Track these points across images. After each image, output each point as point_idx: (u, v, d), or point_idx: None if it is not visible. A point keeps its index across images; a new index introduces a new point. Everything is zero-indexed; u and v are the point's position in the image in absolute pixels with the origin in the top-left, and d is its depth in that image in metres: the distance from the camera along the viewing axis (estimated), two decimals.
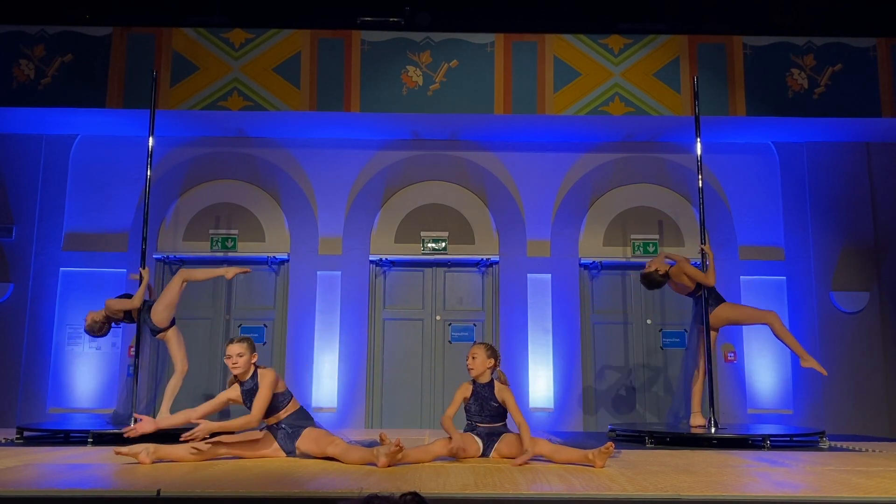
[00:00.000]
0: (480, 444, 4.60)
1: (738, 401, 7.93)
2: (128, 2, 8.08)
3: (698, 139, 6.72)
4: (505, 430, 4.70)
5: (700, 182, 6.61)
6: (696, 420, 6.28)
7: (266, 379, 4.43)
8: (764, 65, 7.73)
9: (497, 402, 4.65)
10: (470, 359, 4.69)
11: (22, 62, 7.61)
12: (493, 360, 4.72)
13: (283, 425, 4.51)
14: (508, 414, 4.72)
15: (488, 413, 4.66)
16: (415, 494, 1.80)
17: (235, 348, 4.45)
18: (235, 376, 4.52)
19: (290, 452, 4.50)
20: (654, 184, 8.43)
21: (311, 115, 7.76)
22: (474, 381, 4.73)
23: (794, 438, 6.03)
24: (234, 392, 4.53)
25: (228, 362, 4.45)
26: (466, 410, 4.76)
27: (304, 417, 4.59)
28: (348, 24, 7.85)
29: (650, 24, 7.89)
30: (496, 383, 4.70)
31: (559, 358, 7.99)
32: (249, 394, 4.48)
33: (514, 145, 8.42)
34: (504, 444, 4.57)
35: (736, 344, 8.05)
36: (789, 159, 8.38)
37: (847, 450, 5.46)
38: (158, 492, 3.17)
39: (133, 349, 7.70)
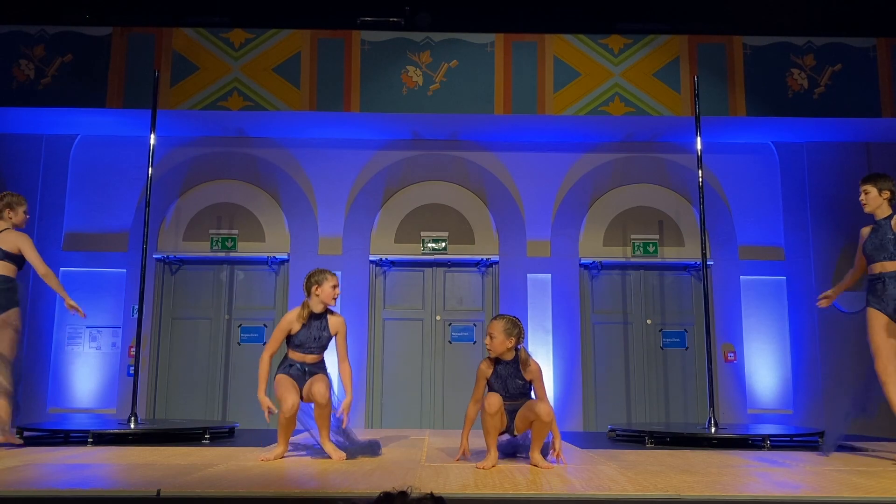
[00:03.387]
0: (505, 419, 4.40)
1: (738, 401, 7.93)
2: (128, 2, 8.08)
3: (698, 139, 6.72)
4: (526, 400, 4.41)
5: (700, 182, 6.62)
6: None
7: (343, 333, 4.77)
8: (764, 65, 7.73)
9: (522, 380, 4.36)
10: (488, 338, 4.35)
11: (22, 62, 7.61)
12: (513, 339, 4.32)
13: (307, 368, 4.71)
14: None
15: (512, 392, 4.37)
16: (433, 496, 1.79)
17: (336, 279, 4.78)
18: (312, 311, 4.70)
19: (300, 384, 4.67)
20: (654, 184, 8.43)
21: (311, 115, 7.76)
22: (496, 360, 4.40)
23: (794, 438, 6.04)
24: (296, 327, 4.68)
25: (334, 292, 4.71)
26: (489, 388, 4.46)
27: (324, 367, 4.85)
28: (348, 24, 7.85)
29: (650, 24, 7.88)
30: (521, 361, 4.36)
31: (559, 358, 7.99)
32: (316, 331, 4.70)
33: (514, 145, 8.42)
34: (520, 418, 4.34)
35: (736, 344, 8.05)
36: (789, 159, 8.38)
37: (847, 450, 5.45)
38: (158, 492, 3.17)
39: (133, 349, 7.72)
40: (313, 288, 4.69)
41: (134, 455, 4.68)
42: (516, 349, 4.38)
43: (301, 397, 4.63)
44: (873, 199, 4.86)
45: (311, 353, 4.73)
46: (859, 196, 4.95)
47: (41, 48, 7.65)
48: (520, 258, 8.20)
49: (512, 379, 4.37)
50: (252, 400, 7.96)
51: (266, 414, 4.56)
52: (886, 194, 4.84)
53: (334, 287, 4.71)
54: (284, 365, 4.76)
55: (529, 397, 4.44)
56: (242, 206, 8.32)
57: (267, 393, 4.64)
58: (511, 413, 4.41)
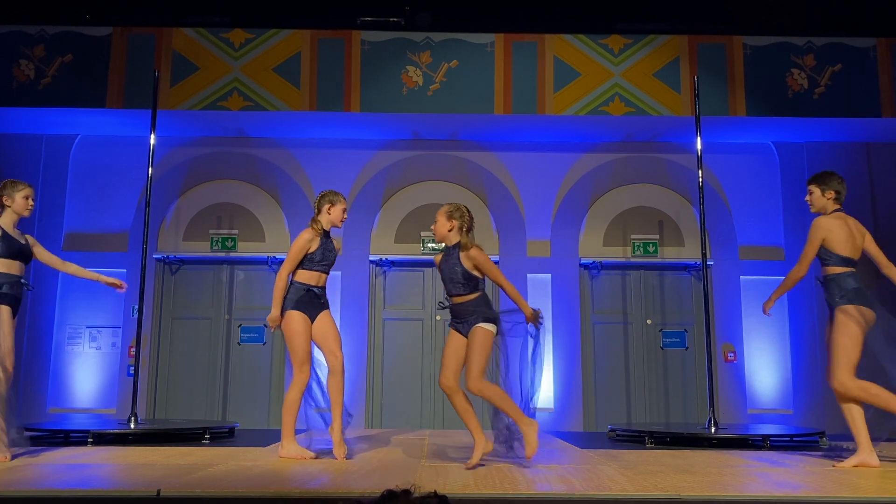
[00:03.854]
0: (464, 338, 4.27)
1: (738, 401, 7.93)
2: (128, 2, 8.08)
3: (698, 139, 6.72)
4: (476, 316, 4.23)
5: (700, 182, 6.62)
6: (872, 458, 4.47)
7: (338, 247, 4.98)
8: (764, 65, 7.73)
9: (461, 266, 4.23)
10: (433, 225, 4.42)
11: (22, 62, 7.60)
12: (454, 222, 4.32)
13: (319, 291, 4.73)
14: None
15: (453, 280, 4.26)
16: (436, 494, 1.78)
17: (346, 204, 4.91)
18: (323, 229, 4.75)
19: (311, 319, 4.68)
20: (654, 184, 8.43)
21: (311, 115, 7.75)
22: (446, 247, 4.39)
23: (794, 438, 6.04)
24: (316, 244, 4.69)
25: (343, 215, 4.81)
26: (443, 281, 4.42)
27: (324, 296, 4.83)
28: (348, 24, 7.85)
29: (650, 24, 7.88)
30: (461, 246, 4.27)
31: (559, 358, 7.99)
32: (330, 248, 4.78)
33: (514, 145, 8.42)
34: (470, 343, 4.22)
35: (736, 344, 8.04)
36: (789, 159, 8.38)
37: (847, 450, 5.45)
38: (158, 492, 3.17)
39: (133, 349, 7.72)
40: (325, 206, 4.75)
41: (134, 455, 4.68)
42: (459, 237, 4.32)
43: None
44: (817, 200, 4.65)
45: (325, 270, 4.75)
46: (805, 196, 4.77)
47: (41, 48, 7.65)
48: (520, 258, 8.19)
49: (451, 267, 4.29)
50: (252, 400, 8.00)
51: (272, 329, 4.69)
52: (831, 194, 4.60)
53: (344, 210, 4.82)
54: (297, 292, 4.63)
55: (475, 290, 4.28)
56: (242, 206, 8.32)
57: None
58: (462, 323, 4.26)
